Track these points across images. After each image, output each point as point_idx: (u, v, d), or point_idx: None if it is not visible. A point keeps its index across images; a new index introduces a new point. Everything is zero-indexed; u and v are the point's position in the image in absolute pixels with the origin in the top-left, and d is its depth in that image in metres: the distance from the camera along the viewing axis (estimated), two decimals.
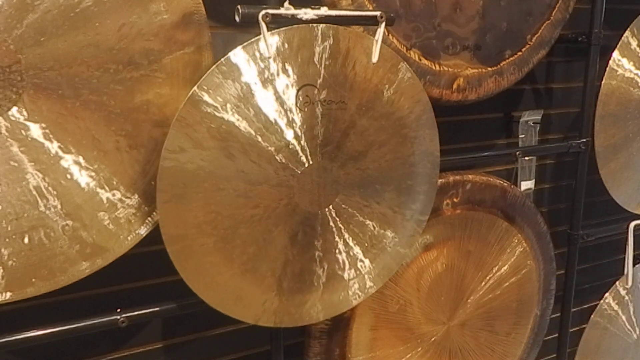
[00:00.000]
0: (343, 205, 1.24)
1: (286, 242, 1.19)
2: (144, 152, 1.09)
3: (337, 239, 1.25)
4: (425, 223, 1.37)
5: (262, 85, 1.09)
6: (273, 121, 1.11)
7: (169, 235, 1.08)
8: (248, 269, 1.17)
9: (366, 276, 1.32)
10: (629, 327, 2.03)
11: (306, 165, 1.16)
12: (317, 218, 1.22)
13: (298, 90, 1.12)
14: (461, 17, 1.42)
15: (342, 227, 1.25)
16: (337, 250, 1.26)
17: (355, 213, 1.26)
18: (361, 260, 1.30)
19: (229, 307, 1.19)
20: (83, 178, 1.05)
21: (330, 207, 1.23)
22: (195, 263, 1.12)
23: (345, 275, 1.29)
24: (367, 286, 1.33)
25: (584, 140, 1.74)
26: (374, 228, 1.28)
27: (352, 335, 1.46)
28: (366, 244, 1.29)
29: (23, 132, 0.99)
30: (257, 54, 1.07)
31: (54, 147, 1.02)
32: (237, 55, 1.06)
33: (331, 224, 1.24)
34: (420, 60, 1.39)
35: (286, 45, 1.09)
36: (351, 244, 1.28)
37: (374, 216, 1.28)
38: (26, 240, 1.02)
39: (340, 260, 1.28)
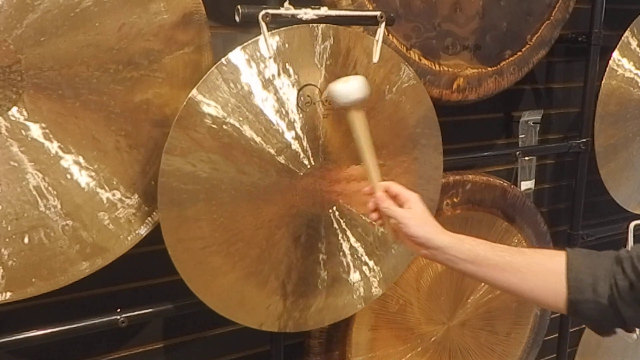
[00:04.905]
0: (347, 207, 1.23)
1: (289, 244, 1.18)
2: (144, 152, 1.09)
3: (341, 241, 1.24)
4: None
5: (263, 85, 1.08)
6: (274, 122, 1.10)
7: (171, 238, 1.07)
8: (251, 272, 1.16)
9: (371, 279, 1.31)
10: None
11: (308, 166, 1.16)
12: (320, 220, 1.21)
13: (299, 91, 1.12)
14: (461, 17, 1.42)
15: (347, 229, 1.24)
16: (341, 253, 1.25)
17: (359, 214, 1.24)
18: (366, 263, 1.29)
19: (232, 311, 1.18)
20: (83, 178, 1.05)
21: (334, 208, 1.22)
22: (197, 266, 1.11)
23: (350, 279, 1.28)
24: (373, 289, 1.32)
25: (584, 140, 1.74)
26: (379, 229, 1.27)
27: (352, 335, 1.46)
28: (371, 246, 1.28)
29: (23, 132, 0.99)
30: (257, 54, 1.07)
31: (54, 147, 1.02)
32: (237, 55, 1.06)
33: (335, 225, 1.23)
34: (420, 60, 1.39)
35: (286, 45, 1.09)
36: (356, 246, 1.26)
37: None
38: (26, 240, 1.02)
39: (345, 263, 1.26)
